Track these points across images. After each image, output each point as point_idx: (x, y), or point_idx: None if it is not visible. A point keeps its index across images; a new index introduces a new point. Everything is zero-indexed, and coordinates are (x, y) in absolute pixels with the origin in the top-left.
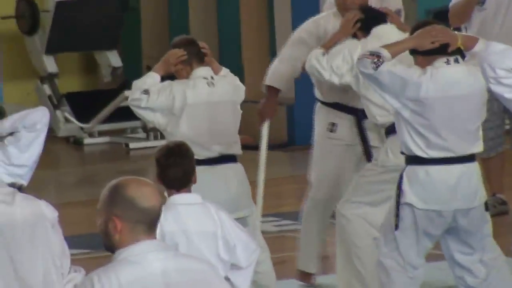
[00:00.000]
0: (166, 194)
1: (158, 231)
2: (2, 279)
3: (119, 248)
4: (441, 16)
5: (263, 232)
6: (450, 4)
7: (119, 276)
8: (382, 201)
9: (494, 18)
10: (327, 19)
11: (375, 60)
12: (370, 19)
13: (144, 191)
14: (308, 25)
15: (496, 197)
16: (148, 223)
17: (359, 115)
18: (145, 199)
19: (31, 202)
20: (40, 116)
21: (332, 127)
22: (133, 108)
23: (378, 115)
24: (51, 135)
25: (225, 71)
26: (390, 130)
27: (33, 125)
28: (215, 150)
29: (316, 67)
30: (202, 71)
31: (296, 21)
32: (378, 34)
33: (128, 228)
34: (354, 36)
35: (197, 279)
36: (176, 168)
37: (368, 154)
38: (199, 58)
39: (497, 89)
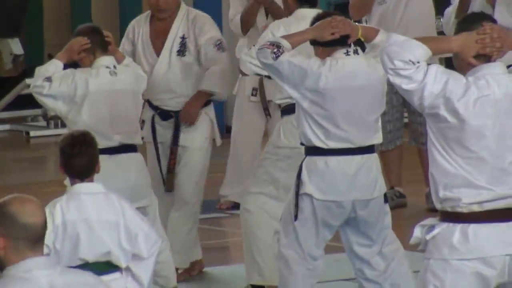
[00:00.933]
0: (67, 182)
1: (60, 220)
2: None
3: (6, 266)
4: (342, 8)
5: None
6: None
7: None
8: (278, 192)
9: (394, 12)
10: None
11: (275, 50)
12: None
13: (25, 207)
14: None
15: (394, 190)
16: (32, 239)
17: None
18: (26, 215)
19: None
20: None
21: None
22: (35, 95)
23: (278, 98)
24: None
25: (128, 60)
26: (286, 111)
27: None
28: (116, 140)
29: (251, 62)
30: (105, 60)
31: (199, 5)
32: (302, 15)
33: (11, 245)
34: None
35: None
36: (81, 157)
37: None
38: (103, 47)
39: (395, 80)
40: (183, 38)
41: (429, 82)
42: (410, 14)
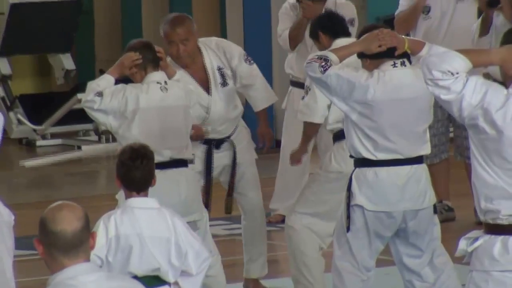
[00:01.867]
0: (119, 196)
1: (113, 233)
2: None
3: (51, 273)
4: (391, 23)
5: (213, 235)
6: (396, 12)
7: None
8: (325, 213)
9: (439, 27)
10: None
11: (323, 63)
12: (337, 25)
13: (57, 215)
14: None
15: (442, 204)
16: (61, 246)
17: None
18: (55, 222)
19: None
20: None
21: None
22: (86, 110)
23: (329, 124)
24: (4, 137)
25: (179, 75)
26: (337, 136)
27: None
28: (166, 155)
29: None
30: (156, 76)
31: (248, 21)
32: (340, 43)
33: (47, 251)
34: (315, 36)
35: None
36: (142, 170)
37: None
38: (154, 63)
39: (434, 90)
40: (219, 69)
41: (468, 93)
42: (454, 29)
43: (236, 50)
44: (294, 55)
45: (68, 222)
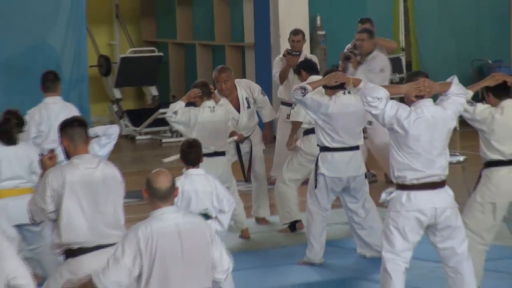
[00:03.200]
0: (184, 170)
1: (180, 189)
2: (89, 211)
3: (152, 210)
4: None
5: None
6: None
7: (152, 226)
8: (301, 172)
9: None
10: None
11: (303, 91)
12: (310, 68)
13: (157, 177)
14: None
15: (370, 172)
16: (159, 196)
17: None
18: (156, 182)
19: (109, 166)
20: (115, 130)
21: None
22: (167, 120)
23: (303, 125)
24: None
25: (222, 101)
26: (305, 132)
27: (110, 135)
28: (212, 149)
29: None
30: (208, 103)
31: (259, 68)
32: (312, 79)
33: (150, 199)
34: (299, 73)
35: (196, 227)
36: (194, 153)
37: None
38: (208, 95)
39: (368, 108)
40: (246, 98)
41: (387, 110)
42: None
43: (256, 87)
44: (282, 87)
45: (163, 182)
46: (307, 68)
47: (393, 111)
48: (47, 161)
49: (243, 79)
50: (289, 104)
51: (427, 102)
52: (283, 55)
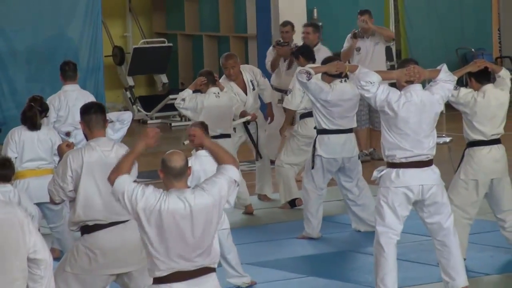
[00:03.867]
0: (194, 151)
1: (191, 169)
2: (104, 190)
3: (167, 189)
4: (339, 55)
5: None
6: (342, 50)
7: (169, 201)
8: (301, 157)
9: (365, 59)
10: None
11: (308, 75)
12: (308, 54)
13: (171, 157)
14: None
15: (363, 152)
16: (173, 175)
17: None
18: (171, 161)
19: (122, 148)
20: (128, 116)
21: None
22: (176, 106)
23: (299, 109)
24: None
25: (226, 88)
26: (302, 116)
27: (123, 120)
28: (219, 131)
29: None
30: (213, 89)
31: (260, 58)
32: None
33: (165, 177)
34: (297, 58)
35: (207, 203)
36: None
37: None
38: (213, 82)
39: (361, 91)
40: (251, 81)
41: (379, 93)
42: (373, 59)
43: (258, 71)
44: (274, 74)
45: (177, 161)
46: (305, 53)
47: (384, 94)
48: (64, 148)
49: (246, 65)
50: (280, 90)
51: (416, 87)
52: (273, 45)
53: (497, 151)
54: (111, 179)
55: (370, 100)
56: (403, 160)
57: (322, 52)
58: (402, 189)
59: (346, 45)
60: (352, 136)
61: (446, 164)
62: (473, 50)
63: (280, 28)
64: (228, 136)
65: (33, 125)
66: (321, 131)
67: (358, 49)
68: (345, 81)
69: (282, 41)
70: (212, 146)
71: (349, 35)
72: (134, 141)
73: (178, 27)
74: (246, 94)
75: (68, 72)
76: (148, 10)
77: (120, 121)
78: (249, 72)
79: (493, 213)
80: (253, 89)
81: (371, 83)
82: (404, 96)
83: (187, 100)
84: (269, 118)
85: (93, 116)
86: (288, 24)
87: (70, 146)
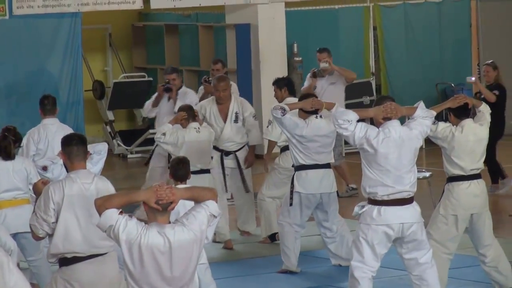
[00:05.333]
0: (173, 185)
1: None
2: (84, 223)
3: (150, 222)
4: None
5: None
6: (301, 89)
7: (149, 235)
8: (283, 189)
9: (319, 98)
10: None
11: (283, 111)
12: (292, 88)
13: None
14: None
15: (349, 187)
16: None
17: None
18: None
19: (102, 181)
20: (103, 146)
21: None
22: (156, 141)
23: (279, 142)
24: (111, 153)
25: (205, 124)
26: (282, 149)
27: (99, 151)
28: (199, 167)
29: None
30: (194, 124)
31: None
32: (290, 100)
33: (148, 210)
34: (280, 88)
35: (187, 239)
36: (183, 170)
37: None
38: (193, 117)
39: (339, 130)
40: (236, 113)
41: (357, 131)
42: (326, 98)
43: (249, 109)
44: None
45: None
46: (289, 86)
47: (362, 132)
48: (40, 186)
49: (242, 98)
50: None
51: (394, 122)
52: (202, 82)
53: (477, 186)
54: (99, 209)
55: (349, 138)
56: (385, 198)
57: (191, 95)
58: (383, 227)
59: (306, 83)
60: (330, 171)
61: (426, 199)
62: (453, 85)
63: (211, 65)
64: (207, 171)
65: (7, 155)
66: (299, 167)
67: (314, 88)
68: (320, 117)
69: (210, 78)
70: (187, 195)
71: (309, 74)
72: (115, 175)
73: (158, 62)
74: (225, 122)
75: (47, 106)
76: (128, 45)
77: (96, 152)
78: (238, 103)
79: (474, 247)
80: (235, 121)
81: (348, 121)
82: (382, 133)
83: (167, 135)
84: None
85: (74, 147)
86: (218, 62)
87: (45, 183)
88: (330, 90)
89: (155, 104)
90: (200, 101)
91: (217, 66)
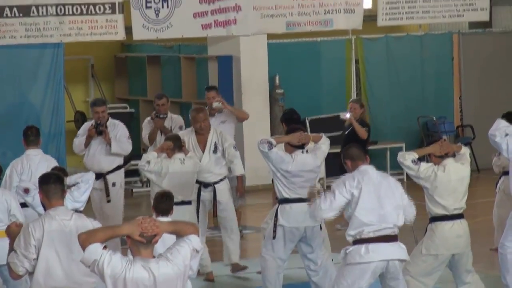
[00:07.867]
0: (155, 217)
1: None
2: (65, 259)
3: (134, 256)
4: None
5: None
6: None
7: (134, 270)
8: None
9: None
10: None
11: (269, 145)
12: (290, 120)
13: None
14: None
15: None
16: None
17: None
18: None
19: (81, 218)
20: (91, 176)
21: None
22: (140, 169)
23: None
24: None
25: (190, 154)
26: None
27: (87, 180)
28: (180, 198)
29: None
30: (179, 155)
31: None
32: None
33: (132, 244)
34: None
35: (171, 273)
36: (167, 204)
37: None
38: (179, 148)
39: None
40: (215, 143)
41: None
42: None
43: (229, 140)
44: (152, 147)
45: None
46: (289, 122)
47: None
48: (14, 228)
49: (221, 129)
50: None
51: (369, 169)
52: (151, 118)
53: (460, 226)
54: (83, 243)
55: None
56: (371, 235)
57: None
58: (370, 264)
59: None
60: None
61: (407, 233)
62: (434, 118)
63: (155, 101)
64: (189, 203)
65: None
66: (283, 201)
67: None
68: (306, 151)
69: (159, 114)
70: (170, 229)
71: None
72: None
73: (140, 93)
74: (203, 152)
75: (31, 137)
76: (110, 76)
77: (84, 181)
78: (218, 135)
79: (455, 283)
80: (214, 152)
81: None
82: (359, 178)
83: (152, 163)
84: (237, 193)
85: (52, 186)
86: (163, 96)
87: (19, 226)
88: (221, 128)
89: (87, 144)
90: (149, 138)
91: (162, 101)
